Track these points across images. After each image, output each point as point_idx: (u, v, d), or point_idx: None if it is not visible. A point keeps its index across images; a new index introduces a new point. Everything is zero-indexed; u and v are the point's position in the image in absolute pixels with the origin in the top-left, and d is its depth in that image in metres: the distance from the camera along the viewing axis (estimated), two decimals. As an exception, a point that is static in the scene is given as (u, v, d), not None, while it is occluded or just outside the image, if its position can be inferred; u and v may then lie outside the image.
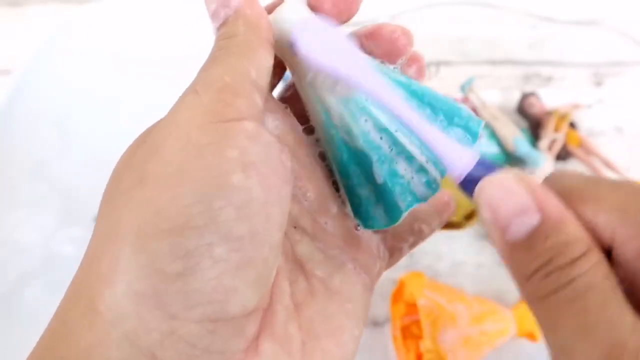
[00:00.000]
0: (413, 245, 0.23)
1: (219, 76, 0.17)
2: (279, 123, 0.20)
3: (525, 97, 0.52)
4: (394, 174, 0.20)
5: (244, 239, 0.15)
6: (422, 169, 0.20)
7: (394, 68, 0.20)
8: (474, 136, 0.20)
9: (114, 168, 0.18)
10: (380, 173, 0.20)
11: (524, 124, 0.53)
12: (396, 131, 0.19)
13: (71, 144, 0.49)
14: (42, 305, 0.43)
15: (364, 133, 0.19)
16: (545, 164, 0.48)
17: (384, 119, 0.19)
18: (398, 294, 0.43)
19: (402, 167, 0.20)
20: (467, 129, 0.20)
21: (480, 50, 0.58)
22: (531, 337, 0.42)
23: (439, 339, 0.38)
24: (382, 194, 0.20)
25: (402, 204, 0.20)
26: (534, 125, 0.52)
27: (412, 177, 0.20)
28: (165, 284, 0.14)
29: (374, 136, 0.19)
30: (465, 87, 0.50)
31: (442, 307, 0.39)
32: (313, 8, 0.20)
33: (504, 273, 0.47)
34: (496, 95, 0.55)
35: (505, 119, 0.50)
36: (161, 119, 0.18)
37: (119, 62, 0.53)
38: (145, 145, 0.17)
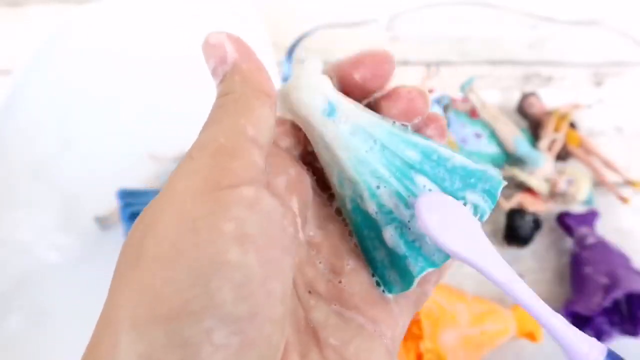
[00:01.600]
0: (437, 282, 0.22)
1: (214, 137, 0.16)
2: (290, 178, 0.19)
3: (525, 97, 0.52)
4: (405, 238, 0.19)
5: (243, 320, 0.14)
6: None
7: (407, 127, 0.20)
8: (492, 199, 0.20)
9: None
10: (391, 237, 0.19)
11: (524, 124, 0.53)
12: (408, 196, 0.19)
13: (71, 143, 0.49)
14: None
15: (376, 196, 0.19)
16: (545, 164, 0.48)
17: (395, 184, 0.19)
18: (398, 294, 0.43)
19: (413, 232, 0.19)
20: (485, 191, 0.20)
21: (480, 50, 0.58)
22: (531, 337, 0.42)
23: (439, 339, 0.38)
24: (394, 258, 0.20)
25: (414, 269, 0.19)
26: (534, 125, 0.52)
27: (425, 241, 0.19)
28: None
29: (387, 201, 0.19)
30: (465, 87, 0.50)
31: (442, 307, 0.39)
32: (343, 74, 0.20)
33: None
34: (496, 95, 0.55)
35: (505, 119, 0.50)
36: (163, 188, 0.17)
37: (119, 61, 0.53)
38: (143, 219, 0.16)
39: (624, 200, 0.48)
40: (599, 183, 0.50)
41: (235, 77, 0.18)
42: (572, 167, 0.50)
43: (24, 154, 0.48)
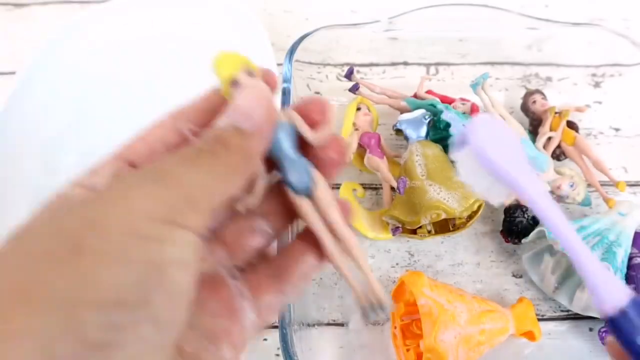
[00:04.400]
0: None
1: (189, 183, 0.17)
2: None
3: (529, 93, 0.53)
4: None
5: (167, 324, 0.16)
6: None
7: None
8: None
9: (27, 225, 0.17)
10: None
11: (525, 121, 0.53)
12: None
13: (73, 144, 0.49)
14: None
15: None
16: (550, 168, 0.47)
17: None
18: (398, 294, 0.43)
19: None
20: None
21: (480, 51, 0.58)
22: (530, 336, 0.42)
23: (438, 338, 0.38)
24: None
25: None
26: (535, 123, 0.52)
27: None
28: (86, 352, 0.14)
29: None
30: (477, 85, 0.50)
31: (442, 306, 0.39)
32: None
33: (503, 272, 0.48)
34: (495, 96, 0.55)
35: (513, 120, 0.50)
36: (105, 193, 0.17)
37: (121, 62, 0.53)
38: (80, 216, 0.16)
39: (609, 202, 0.47)
40: (589, 183, 0.50)
41: (245, 142, 0.19)
42: (568, 166, 0.50)
43: (28, 154, 0.48)
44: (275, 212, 0.23)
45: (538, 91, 0.53)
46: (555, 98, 0.54)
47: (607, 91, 0.56)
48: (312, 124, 0.22)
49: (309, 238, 0.23)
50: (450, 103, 0.52)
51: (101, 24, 0.53)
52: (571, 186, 0.47)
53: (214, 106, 0.22)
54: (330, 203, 0.22)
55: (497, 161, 0.19)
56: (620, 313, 0.17)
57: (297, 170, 0.21)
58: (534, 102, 0.52)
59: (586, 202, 0.48)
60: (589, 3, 0.61)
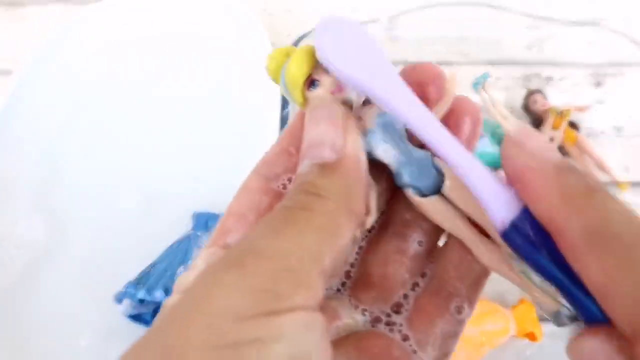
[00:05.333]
0: None
1: (282, 254, 0.13)
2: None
3: (530, 93, 0.53)
4: None
5: None
6: None
7: None
8: None
9: None
10: None
11: (526, 121, 0.53)
12: None
13: (73, 144, 0.49)
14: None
15: None
16: None
17: None
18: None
19: None
20: None
21: (480, 50, 0.58)
22: (531, 337, 0.42)
23: (439, 339, 0.38)
24: None
25: None
26: (536, 123, 0.52)
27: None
28: None
29: None
30: (478, 85, 0.50)
31: (443, 307, 0.39)
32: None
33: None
34: (496, 96, 0.55)
35: (514, 120, 0.49)
36: (182, 300, 0.13)
37: (121, 62, 0.53)
38: (157, 346, 0.13)
39: None
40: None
41: (335, 176, 0.15)
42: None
43: (27, 154, 0.48)
44: (419, 214, 0.18)
45: (539, 91, 0.53)
46: (556, 98, 0.54)
47: (608, 91, 0.56)
48: (425, 100, 0.17)
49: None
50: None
51: (101, 24, 0.53)
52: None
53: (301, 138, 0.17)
54: (468, 194, 0.16)
55: (345, 69, 0.16)
56: (512, 226, 0.15)
57: (414, 166, 0.17)
58: (535, 102, 0.52)
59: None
60: (590, 2, 0.61)
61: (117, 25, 0.53)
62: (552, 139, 0.49)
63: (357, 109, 0.17)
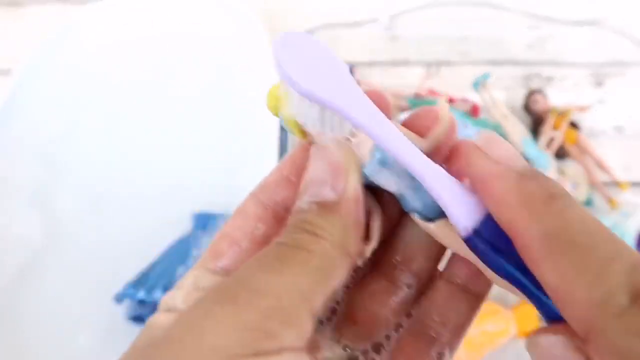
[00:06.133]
0: None
1: (275, 292, 0.14)
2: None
3: (531, 93, 0.52)
4: None
5: None
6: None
7: None
8: None
9: None
10: None
11: (527, 120, 0.53)
12: None
13: (73, 144, 0.49)
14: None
15: None
16: (551, 167, 0.47)
17: None
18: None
19: None
20: None
21: (481, 50, 0.58)
22: (532, 337, 0.42)
23: (439, 340, 0.38)
24: None
25: None
26: (536, 123, 0.52)
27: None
28: None
29: None
30: (479, 84, 0.50)
31: (443, 307, 0.39)
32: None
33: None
34: (496, 95, 0.55)
35: (515, 120, 0.49)
36: (173, 329, 0.14)
37: (120, 62, 0.53)
38: None
39: (611, 202, 0.47)
40: (590, 183, 0.50)
41: (333, 216, 0.15)
42: (570, 165, 0.50)
43: (27, 154, 0.47)
44: (410, 255, 0.18)
45: (539, 91, 0.53)
46: (557, 97, 0.54)
47: (609, 91, 0.56)
48: (421, 133, 0.17)
49: (456, 275, 0.18)
50: (451, 102, 0.52)
51: (100, 24, 0.53)
52: (573, 186, 0.46)
53: (302, 167, 0.17)
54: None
55: (304, 85, 0.15)
56: (475, 233, 0.15)
57: (417, 191, 0.16)
58: (536, 101, 0.52)
59: (588, 203, 0.48)
60: (591, 2, 0.61)
61: (117, 25, 0.53)
62: (552, 139, 0.49)
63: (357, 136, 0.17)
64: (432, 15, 0.59)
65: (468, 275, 0.18)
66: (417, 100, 0.51)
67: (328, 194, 0.16)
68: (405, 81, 0.55)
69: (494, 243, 0.15)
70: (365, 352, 0.18)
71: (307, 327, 0.14)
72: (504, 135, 0.49)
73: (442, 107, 0.17)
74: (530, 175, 0.14)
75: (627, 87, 0.56)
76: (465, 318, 0.18)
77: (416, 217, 0.17)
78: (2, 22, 0.60)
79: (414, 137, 0.17)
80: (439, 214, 0.16)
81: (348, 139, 0.17)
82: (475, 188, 0.15)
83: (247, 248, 0.17)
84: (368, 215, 0.17)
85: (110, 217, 0.46)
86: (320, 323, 0.18)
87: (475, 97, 0.52)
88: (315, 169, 0.16)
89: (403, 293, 0.18)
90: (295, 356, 0.13)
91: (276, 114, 0.18)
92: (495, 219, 0.15)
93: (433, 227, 0.17)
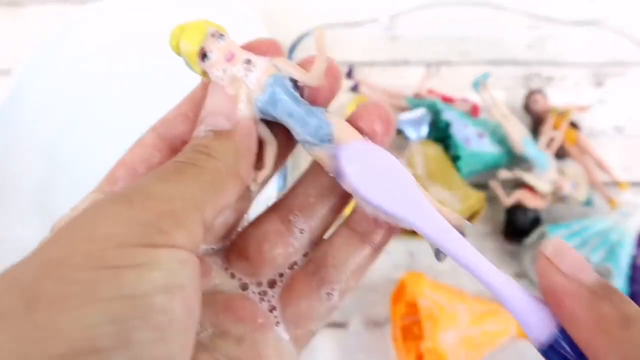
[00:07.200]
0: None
1: (168, 198, 0.15)
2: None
3: (531, 93, 0.52)
4: None
5: None
6: None
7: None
8: None
9: None
10: None
11: (527, 120, 0.53)
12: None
13: (73, 144, 0.49)
14: None
15: None
16: (551, 167, 0.47)
17: None
18: (398, 294, 0.43)
19: None
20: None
21: (481, 50, 0.58)
22: (532, 337, 0.42)
23: (439, 340, 0.38)
24: None
25: None
26: (536, 122, 0.52)
27: None
28: None
29: None
30: (479, 84, 0.50)
31: (443, 307, 0.39)
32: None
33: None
34: (497, 95, 0.55)
35: (515, 119, 0.49)
36: (67, 225, 0.14)
37: (120, 61, 0.53)
38: (37, 262, 0.14)
39: (611, 202, 0.47)
40: (590, 183, 0.50)
41: (227, 142, 0.17)
42: (569, 165, 0.50)
43: (27, 153, 0.48)
44: (309, 202, 0.20)
45: (539, 91, 0.53)
46: (557, 97, 0.54)
47: (609, 90, 0.56)
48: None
49: (358, 223, 0.19)
50: (451, 102, 0.52)
51: (100, 23, 0.53)
52: (573, 186, 0.46)
53: (201, 105, 0.19)
54: (357, 135, 0.18)
55: (376, 200, 0.17)
56: (550, 347, 0.16)
57: (308, 120, 0.18)
58: (536, 101, 0.52)
59: (588, 202, 0.48)
60: (591, 2, 0.61)
61: (117, 24, 0.53)
62: (552, 139, 0.49)
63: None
64: (432, 15, 0.59)
65: (369, 226, 0.19)
66: (417, 100, 0.51)
67: (223, 124, 0.17)
68: (405, 81, 0.55)
69: (567, 356, 0.15)
70: (259, 284, 0.19)
71: (196, 232, 0.15)
72: (504, 135, 0.49)
73: (319, 38, 0.18)
74: (602, 294, 0.15)
75: (627, 87, 0.56)
76: (359, 266, 0.20)
77: (305, 146, 0.18)
78: (2, 22, 0.60)
79: (301, 71, 0.18)
80: (327, 138, 0.18)
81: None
82: (548, 300, 0.16)
83: (143, 173, 0.19)
84: (262, 144, 0.19)
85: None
86: (213, 251, 0.20)
87: (475, 97, 0.52)
88: (212, 103, 0.18)
89: (295, 237, 0.20)
90: (185, 254, 0.14)
91: (178, 53, 0.19)
92: (570, 335, 0.15)
93: (317, 152, 0.18)
